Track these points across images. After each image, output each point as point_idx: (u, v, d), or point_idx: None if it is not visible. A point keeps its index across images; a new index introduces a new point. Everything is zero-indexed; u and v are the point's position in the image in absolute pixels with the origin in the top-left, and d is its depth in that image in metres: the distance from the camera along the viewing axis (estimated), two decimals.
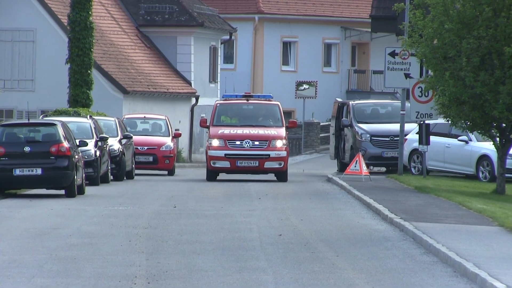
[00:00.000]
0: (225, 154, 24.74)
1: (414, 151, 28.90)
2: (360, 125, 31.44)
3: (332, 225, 16.36)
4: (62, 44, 37.76)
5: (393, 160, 30.05)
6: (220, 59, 48.97)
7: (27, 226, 16.26)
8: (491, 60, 21.25)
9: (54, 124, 22.39)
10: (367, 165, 28.49)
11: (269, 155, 25.08)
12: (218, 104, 27.10)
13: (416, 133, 27.81)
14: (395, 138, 29.57)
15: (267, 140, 25.29)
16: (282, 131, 26.04)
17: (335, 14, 50.88)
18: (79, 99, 35.77)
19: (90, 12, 35.44)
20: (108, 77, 41.64)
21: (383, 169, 33.01)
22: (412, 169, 29.22)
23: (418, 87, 27.09)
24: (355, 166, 26.37)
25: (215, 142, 24.85)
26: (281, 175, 25.85)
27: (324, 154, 42.92)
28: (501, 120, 21.86)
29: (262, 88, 49.75)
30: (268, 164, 25.02)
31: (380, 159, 31.07)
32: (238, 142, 25.33)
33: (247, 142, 25.07)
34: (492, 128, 22.61)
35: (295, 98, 44.33)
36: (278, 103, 27.46)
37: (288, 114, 52.17)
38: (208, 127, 26.49)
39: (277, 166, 25.08)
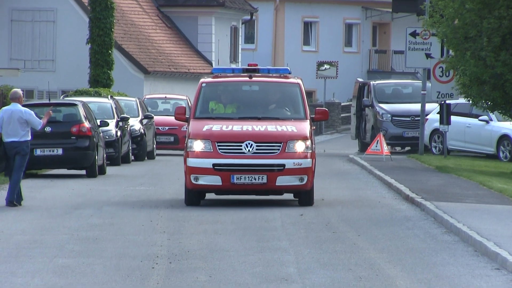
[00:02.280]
0: (214, 165, 13.84)
1: (435, 131, 29.09)
2: (381, 105, 31.79)
3: (353, 205, 16.56)
4: (83, 24, 37.91)
5: (414, 140, 30.33)
6: (241, 39, 48.94)
7: (48, 206, 16.50)
8: None
9: (75, 105, 22.65)
10: (391, 146, 28.90)
11: (284, 165, 13.99)
12: (203, 84, 15.16)
13: (437, 113, 27.91)
14: (416, 118, 29.81)
15: (281, 142, 14.09)
16: (305, 127, 14.57)
17: None
18: (100, 79, 36.15)
19: None
20: (129, 57, 41.86)
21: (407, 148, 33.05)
22: (433, 149, 29.44)
23: (439, 67, 27.16)
24: (376, 146, 26.61)
25: (198, 146, 14.03)
26: (304, 197, 14.74)
27: (345, 134, 42.98)
28: None
29: None
30: (282, 180, 13.97)
31: (401, 139, 31.38)
32: (234, 145, 14.12)
33: (249, 145, 13.90)
34: None
35: (316, 78, 43.99)
36: (299, 81, 15.38)
37: (309, 94, 52.13)
38: (187, 121, 15.04)
39: (298, 183, 14.05)
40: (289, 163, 13.92)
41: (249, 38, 51.46)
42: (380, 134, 27.48)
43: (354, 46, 53.23)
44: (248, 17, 48.48)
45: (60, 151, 21.40)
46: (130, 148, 27.87)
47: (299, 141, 14.16)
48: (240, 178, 13.78)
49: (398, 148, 31.70)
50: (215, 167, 13.81)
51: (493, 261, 10.82)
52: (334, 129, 44.97)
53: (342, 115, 46.50)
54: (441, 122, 27.15)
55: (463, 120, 28.39)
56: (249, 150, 13.86)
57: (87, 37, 36.25)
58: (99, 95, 32.06)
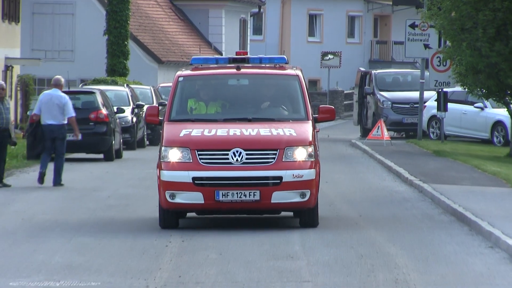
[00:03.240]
0: (194, 179, 10.45)
1: (432, 118, 29.25)
2: (382, 93, 31.92)
3: (355, 187, 16.69)
4: (100, 16, 38.12)
5: (412, 126, 30.41)
6: (249, 31, 49.24)
7: (68, 188, 16.69)
8: (506, 31, 21.72)
9: (93, 92, 22.95)
10: (394, 131, 29.76)
11: (281, 178, 10.50)
12: (180, 79, 11.52)
13: (435, 101, 28.10)
14: (415, 105, 29.95)
15: (277, 149, 10.65)
16: (307, 129, 11.07)
17: None
18: (116, 69, 36.49)
19: None
20: (143, 48, 42.13)
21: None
22: (431, 134, 29.61)
23: (437, 57, 27.35)
24: (377, 132, 26.70)
25: (174, 155, 10.60)
26: (307, 216, 10.99)
27: (348, 120, 43.18)
28: None
29: (290, 59, 49.96)
30: (279, 197, 10.48)
31: (401, 125, 31.49)
32: (219, 154, 10.67)
33: (237, 154, 10.51)
34: (506, 96, 23.09)
35: (321, 67, 44.43)
36: (299, 72, 11.79)
37: (313, 82, 52.27)
38: (161, 124, 11.48)
39: (298, 199, 10.53)
40: (287, 174, 10.22)
41: (257, 29, 51.83)
42: (380, 120, 27.67)
43: (356, 37, 53.51)
44: (256, 10, 48.76)
45: (79, 137, 21.66)
46: (145, 133, 28.21)
47: (300, 147, 10.49)
48: (227, 195, 10.05)
49: (393, 134, 31.88)
50: (196, 182, 10.05)
51: (487, 240, 10.99)
52: (337, 116, 45.02)
53: (345, 102, 47.06)
54: (438, 109, 27.32)
55: (459, 107, 28.41)
56: (237, 160, 10.15)
57: (104, 29, 36.45)
58: (115, 83, 32.29)
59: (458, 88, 26.71)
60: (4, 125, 16.27)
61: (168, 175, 10.08)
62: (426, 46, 29.21)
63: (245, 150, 10.13)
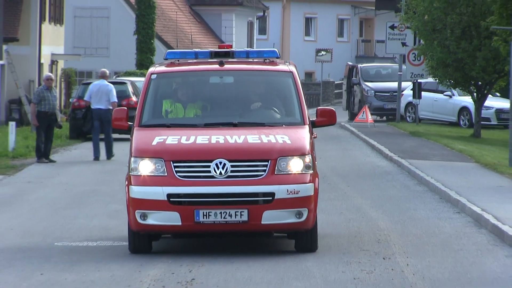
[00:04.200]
0: (169, 196, 6.77)
1: (409, 104, 29.34)
2: (366, 83, 32.15)
3: (344, 163, 16.78)
4: (131, 19, 38.53)
5: (392, 111, 30.65)
6: (255, 32, 49.71)
7: (103, 163, 16.93)
8: (470, 31, 22.14)
9: (125, 83, 23.54)
10: (377, 115, 29.91)
11: (273, 194, 6.79)
12: (153, 76, 7.74)
13: (411, 90, 28.15)
14: (394, 94, 30.09)
15: (268, 159, 6.89)
16: (303, 136, 7.31)
17: None
18: (144, 63, 37.00)
19: None
20: (167, 45, 42.22)
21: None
22: (407, 118, 29.71)
23: (412, 53, 27.60)
24: (362, 116, 26.80)
25: (146, 168, 6.91)
26: (303, 239, 7.15)
27: (338, 106, 43.19)
28: (477, 79, 22.76)
29: (289, 55, 50.20)
30: (270, 217, 6.77)
31: (382, 110, 31.70)
32: (199, 166, 6.94)
33: (221, 165, 6.81)
34: (470, 86, 23.42)
35: (315, 62, 44.73)
36: (293, 68, 7.94)
37: (309, 75, 52.36)
38: (130, 131, 7.59)
39: (293, 219, 6.80)
40: (280, 190, 7.19)
41: (262, 30, 52.27)
42: (365, 106, 27.78)
43: (345, 37, 53.95)
44: (261, 13, 49.05)
45: None
46: None
47: (295, 157, 7.41)
48: (209, 215, 7.02)
49: (376, 117, 32.20)
50: (171, 199, 7.02)
51: (454, 207, 11.17)
52: (329, 102, 45.43)
53: (335, 91, 47.96)
54: (414, 96, 27.52)
55: (431, 95, 28.57)
56: (220, 173, 7.10)
57: (134, 29, 36.93)
58: (143, 75, 32.53)
59: (430, 79, 26.92)
60: (51, 110, 16.46)
61: (138, 191, 7.07)
62: (403, 44, 29.51)
63: (230, 161, 7.09)
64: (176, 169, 6.95)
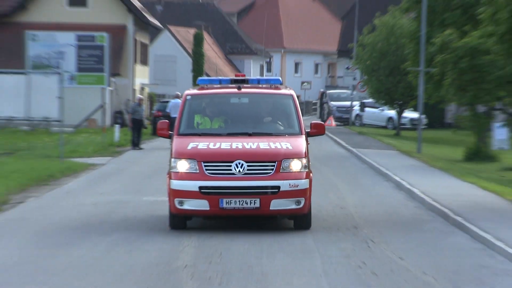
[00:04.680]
0: (200, 188, 8.52)
1: (357, 115, 39.24)
2: (332, 102, 43.18)
3: (318, 151, 19.22)
4: (189, 62, 48.71)
5: (347, 119, 40.06)
6: (265, 70, 63.13)
7: (161, 155, 17.73)
8: (395, 71, 29.88)
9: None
10: (338, 122, 40.48)
11: (278, 187, 8.58)
12: (188, 97, 9.69)
13: (359, 106, 38.38)
14: (348, 108, 40.11)
15: (275, 161, 8.70)
16: (301, 143, 9.18)
17: (321, 48, 67.26)
18: None
19: (202, 47, 47.86)
20: None
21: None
22: (356, 123, 39.17)
23: (360, 84, 37.05)
24: (329, 122, 36.54)
25: (182, 166, 8.65)
26: (300, 220, 9.08)
27: (314, 116, 51.07)
28: (399, 100, 31.44)
29: (285, 85, 58.81)
30: (277, 204, 8.59)
31: (341, 119, 41.02)
32: (222, 166, 8.71)
33: (239, 165, 8.56)
34: (394, 104, 32.17)
35: (301, 89, 54.87)
36: (292, 92, 10.08)
37: (297, 97, 60.37)
38: (170, 138, 9.44)
39: (294, 206, 8.62)
40: (284, 184, 8.63)
41: (269, 69, 65.57)
42: (331, 116, 39.33)
43: (319, 74, 68.59)
44: (268, 59, 63.31)
45: None
46: None
47: (295, 159, 8.87)
48: (230, 203, 8.49)
49: (338, 123, 39.66)
50: (202, 190, 8.48)
51: (384, 177, 14.92)
52: (309, 114, 53.43)
53: (313, 107, 58.05)
54: (360, 110, 38.09)
55: (371, 110, 37.91)
56: (239, 171, 8.54)
57: (191, 68, 47.22)
58: None
59: (370, 100, 36.06)
60: (141, 117, 22.78)
61: (176, 184, 8.48)
62: (354, 78, 42.36)
63: (246, 162, 8.52)
64: (205, 167, 8.44)
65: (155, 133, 29.10)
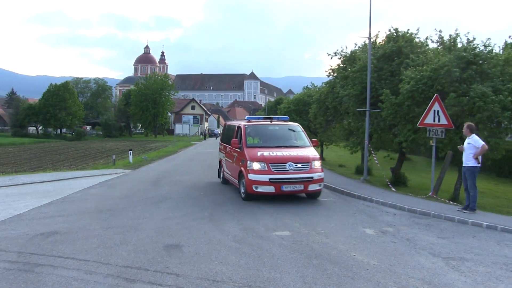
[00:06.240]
0: (270, 179, 14.02)
1: None
2: None
3: None
4: None
5: None
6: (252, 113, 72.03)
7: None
8: (332, 117, 25.69)
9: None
10: None
11: (312, 177, 14.24)
12: (246, 126, 15.89)
13: None
14: None
15: (309, 162, 14.35)
16: (315, 151, 15.04)
17: None
18: None
19: None
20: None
21: None
22: None
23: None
24: None
25: (256, 165, 14.08)
26: (318, 194, 15.15)
27: None
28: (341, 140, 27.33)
29: None
30: (311, 187, 14.30)
31: None
32: (281, 165, 14.20)
33: (290, 165, 14.15)
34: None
35: None
36: (298, 124, 16.73)
37: None
38: (239, 148, 15.24)
39: (318, 187, 14.41)
40: (315, 175, 14.07)
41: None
42: None
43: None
44: (256, 108, 74.60)
45: None
46: None
47: (317, 160, 14.34)
48: (288, 187, 13.72)
49: None
50: (271, 180, 13.66)
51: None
52: None
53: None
54: None
55: None
56: (291, 168, 13.81)
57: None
58: None
59: None
60: None
61: (254, 177, 13.72)
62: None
63: (294, 163, 13.89)
64: (271, 166, 13.74)
65: None
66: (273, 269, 7.52)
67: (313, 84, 37.49)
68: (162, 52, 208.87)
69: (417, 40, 19.61)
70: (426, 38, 19.39)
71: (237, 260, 7.96)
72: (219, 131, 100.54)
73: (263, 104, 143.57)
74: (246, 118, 16.92)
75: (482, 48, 15.59)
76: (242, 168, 14.33)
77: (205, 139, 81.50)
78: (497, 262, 8.28)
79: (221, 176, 18.20)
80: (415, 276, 7.45)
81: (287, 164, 13.82)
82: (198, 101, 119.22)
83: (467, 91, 14.82)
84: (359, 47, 23.19)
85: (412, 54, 18.64)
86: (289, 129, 15.97)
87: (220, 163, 18.65)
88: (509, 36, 35.59)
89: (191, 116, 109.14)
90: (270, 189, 13.66)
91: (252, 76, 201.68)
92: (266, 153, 14.15)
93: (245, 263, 7.80)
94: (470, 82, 14.87)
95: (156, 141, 61.87)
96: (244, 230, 10.13)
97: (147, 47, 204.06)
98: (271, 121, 16.27)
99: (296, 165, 13.90)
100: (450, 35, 17.43)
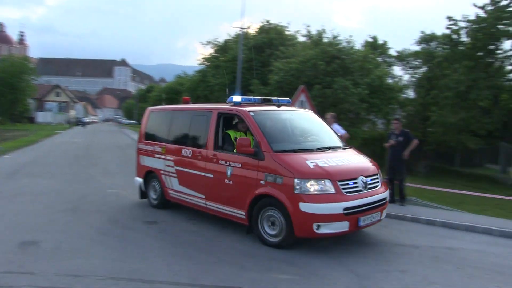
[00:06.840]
0: (345, 209, 7.53)
1: None
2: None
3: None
4: None
5: None
6: None
7: None
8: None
9: None
10: None
11: (386, 198, 8.53)
12: (253, 114, 8.72)
13: None
14: None
15: (377, 174, 8.49)
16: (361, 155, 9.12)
17: None
18: None
19: None
20: None
21: None
22: None
23: None
24: None
25: (314, 186, 7.43)
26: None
27: None
28: None
29: None
30: (384, 213, 8.45)
31: None
32: (352, 183, 7.83)
33: (362, 181, 7.95)
34: None
35: None
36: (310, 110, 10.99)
37: None
38: (255, 155, 8.20)
39: (385, 212, 8.62)
40: (386, 194, 8.55)
41: None
42: None
43: None
44: (126, 96, 68.47)
45: None
46: None
47: (379, 170, 8.78)
48: (366, 220, 7.96)
49: None
50: (346, 212, 7.64)
51: None
52: None
53: None
54: None
55: None
56: (363, 186, 8.05)
57: None
58: None
59: None
60: None
61: (312, 208, 7.52)
62: None
63: (365, 177, 8.18)
64: (340, 185, 7.73)
65: None
66: (139, 260, 7.38)
67: (185, 72, 37.62)
68: (21, 32, 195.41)
69: (287, 33, 20.30)
70: (296, 31, 20.23)
71: (101, 252, 7.74)
72: (86, 119, 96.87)
73: (133, 92, 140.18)
74: (228, 100, 9.64)
75: (345, 44, 16.49)
76: (269, 191, 7.91)
77: (71, 128, 78.27)
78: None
79: (158, 196, 10.96)
80: None
81: (359, 180, 8.05)
82: (64, 87, 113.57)
83: (331, 83, 15.58)
84: (232, 37, 23.53)
85: (282, 46, 19.24)
86: (308, 119, 9.89)
87: (155, 176, 10.93)
88: (368, 36, 38.26)
89: (56, 104, 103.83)
90: (343, 226, 7.69)
91: (123, 62, 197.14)
92: (319, 161, 7.98)
93: (109, 255, 7.59)
94: (334, 75, 15.66)
95: (15, 130, 58.19)
96: (109, 222, 9.86)
97: (1, 24, 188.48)
98: (278, 107, 9.57)
99: (368, 180, 8.23)
100: (318, 30, 18.28)
